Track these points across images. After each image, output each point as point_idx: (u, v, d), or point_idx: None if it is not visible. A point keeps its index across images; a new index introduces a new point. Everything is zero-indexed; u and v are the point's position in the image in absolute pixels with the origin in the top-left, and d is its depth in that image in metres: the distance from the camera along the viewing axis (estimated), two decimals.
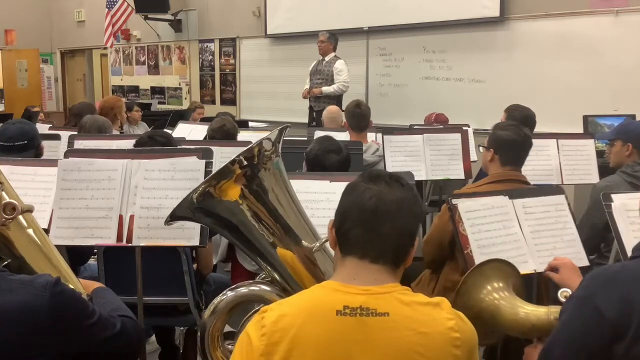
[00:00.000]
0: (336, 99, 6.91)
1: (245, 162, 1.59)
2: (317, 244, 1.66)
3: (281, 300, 1.50)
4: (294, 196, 1.74)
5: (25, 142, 3.41)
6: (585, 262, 2.59)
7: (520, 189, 2.82)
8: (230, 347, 1.78)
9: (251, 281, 1.81)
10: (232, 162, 1.58)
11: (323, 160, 3.15)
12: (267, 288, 1.73)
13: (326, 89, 6.94)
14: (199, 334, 1.76)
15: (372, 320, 1.34)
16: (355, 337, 1.33)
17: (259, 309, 1.46)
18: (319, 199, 2.48)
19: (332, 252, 1.52)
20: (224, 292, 1.77)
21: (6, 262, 1.63)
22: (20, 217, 1.63)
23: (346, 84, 6.98)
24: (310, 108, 7.20)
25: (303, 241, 1.68)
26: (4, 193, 1.56)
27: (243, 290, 1.76)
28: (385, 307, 1.35)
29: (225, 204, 1.61)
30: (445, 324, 1.36)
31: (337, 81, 6.96)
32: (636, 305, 1.43)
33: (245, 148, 1.61)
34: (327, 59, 7.12)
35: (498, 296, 2.09)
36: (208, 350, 1.74)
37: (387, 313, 1.34)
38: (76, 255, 3.04)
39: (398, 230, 1.40)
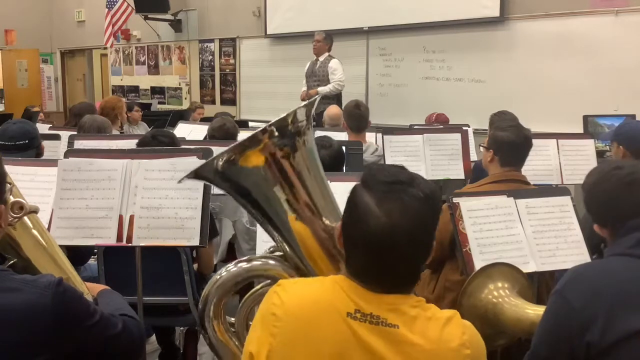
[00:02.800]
0: (335, 98, 6.90)
1: (276, 133, 1.49)
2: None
3: (296, 279, 1.45)
4: (322, 173, 1.64)
5: (27, 141, 3.43)
6: None
7: (526, 189, 2.82)
8: (232, 320, 1.70)
9: (264, 255, 1.70)
10: (263, 131, 1.48)
11: None
12: (279, 265, 1.64)
13: (321, 89, 6.90)
14: (200, 304, 1.65)
15: (380, 330, 1.30)
16: (361, 344, 1.30)
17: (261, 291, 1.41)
18: None
19: None
20: (234, 262, 1.67)
21: (12, 262, 1.64)
22: (26, 217, 1.64)
23: (341, 82, 6.95)
24: None
25: (325, 219, 1.58)
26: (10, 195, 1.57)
27: (256, 263, 1.66)
28: (395, 319, 1.31)
29: (249, 173, 1.52)
30: (457, 340, 1.31)
31: (332, 81, 6.93)
32: (602, 295, 1.53)
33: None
34: (321, 59, 7.09)
35: (497, 294, 2.11)
36: (209, 323, 1.65)
37: (397, 325, 1.30)
38: (76, 256, 3.04)
39: (418, 258, 1.34)
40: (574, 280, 1.61)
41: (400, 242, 1.29)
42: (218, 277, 1.64)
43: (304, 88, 7.18)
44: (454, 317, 1.35)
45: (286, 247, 1.63)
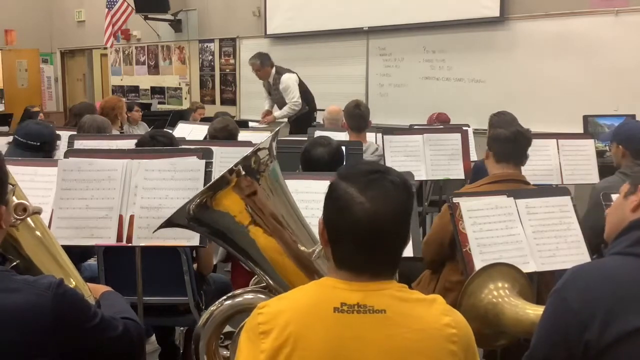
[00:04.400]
0: (306, 111, 6.62)
1: (243, 172, 1.56)
2: (317, 250, 1.63)
3: (279, 295, 1.49)
4: (291, 201, 1.72)
5: (48, 142, 3.62)
6: None
7: (526, 189, 2.83)
8: (226, 353, 1.77)
9: (247, 288, 1.78)
10: (230, 171, 1.55)
11: (311, 154, 3.15)
12: (263, 296, 1.71)
13: (278, 114, 6.63)
14: (192, 343, 1.73)
15: (369, 318, 1.34)
16: (353, 334, 1.33)
17: None
18: (319, 199, 2.46)
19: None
20: (220, 300, 1.74)
21: (15, 264, 1.64)
22: (28, 218, 1.64)
23: (296, 101, 6.53)
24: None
25: (302, 247, 1.66)
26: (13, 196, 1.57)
27: (238, 299, 1.74)
28: (382, 304, 1.35)
29: (222, 214, 1.59)
30: (441, 320, 1.36)
31: (287, 101, 6.58)
32: (600, 295, 1.54)
33: (244, 153, 1.58)
34: (271, 80, 6.73)
35: (497, 294, 2.11)
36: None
37: (384, 310, 1.34)
38: (76, 254, 3.04)
39: (400, 243, 1.40)
40: (572, 280, 1.61)
41: (384, 226, 1.35)
42: (205, 317, 1.72)
43: (267, 107, 6.91)
44: (437, 299, 1.41)
45: (267, 277, 1.70)
